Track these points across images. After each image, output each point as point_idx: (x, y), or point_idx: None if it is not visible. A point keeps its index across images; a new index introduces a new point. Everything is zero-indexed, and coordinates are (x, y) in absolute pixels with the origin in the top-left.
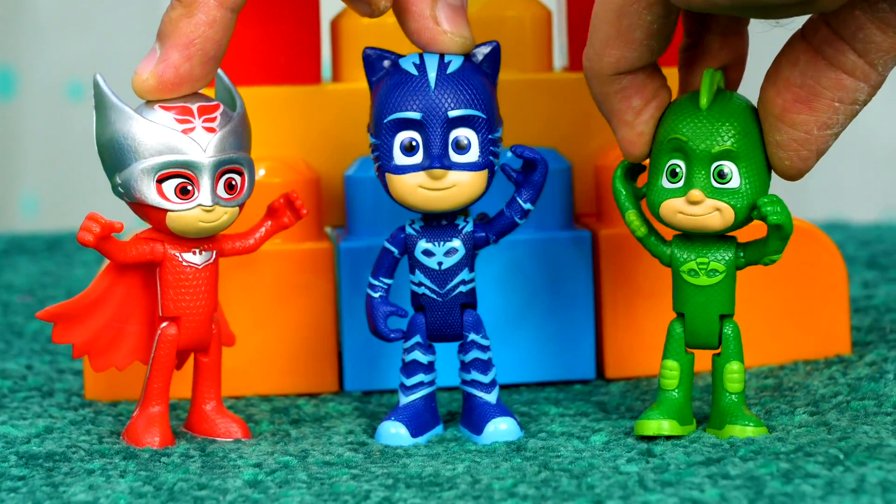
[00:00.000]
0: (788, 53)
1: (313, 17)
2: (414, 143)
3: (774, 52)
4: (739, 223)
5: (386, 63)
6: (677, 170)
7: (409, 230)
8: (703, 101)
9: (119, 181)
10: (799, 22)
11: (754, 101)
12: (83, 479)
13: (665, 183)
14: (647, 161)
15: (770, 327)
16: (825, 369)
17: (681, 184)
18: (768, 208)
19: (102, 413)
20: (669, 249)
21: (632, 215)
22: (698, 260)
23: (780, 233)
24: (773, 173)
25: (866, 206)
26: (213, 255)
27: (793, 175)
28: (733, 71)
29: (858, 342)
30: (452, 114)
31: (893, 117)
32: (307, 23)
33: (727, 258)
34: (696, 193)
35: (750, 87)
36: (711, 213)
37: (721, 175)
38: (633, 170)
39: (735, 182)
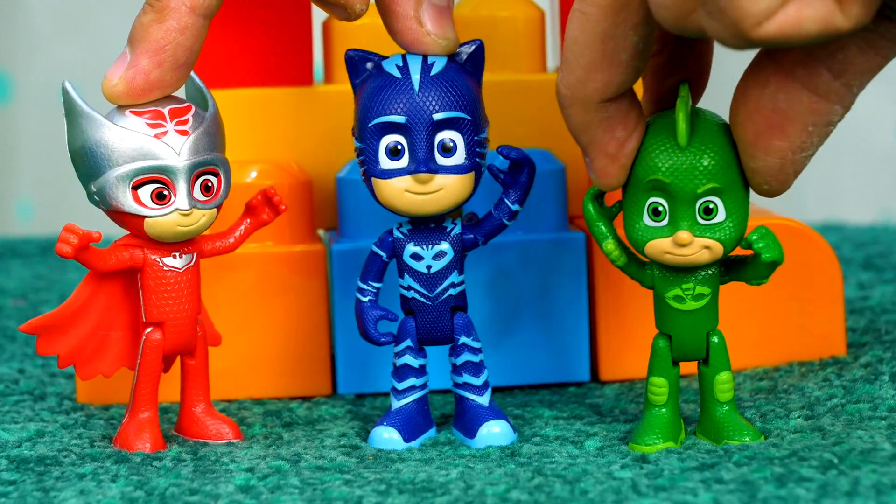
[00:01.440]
0: (756, 74)
1: (304, 19)
2: (399, 147)
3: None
4: (727, 255)
5: (369, 65)
6: (660, 208)
7: (396, 233)
8: (682, 137)
9: (94, 189)
10: None
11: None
12: (74, 483)
13: (647, 221)
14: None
15: (765, 329)
16: (820, 371)
17: (665, 222)
18: (760, 244)
19: (94, 417)
20: (650, 272)
21: (610, 245)
22: (683, 286)
23: (772, 265)
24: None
25: (863, 208)
26: (194, 258)
27: (772, 195)
28: (698, 82)
29: (854, 343)
30: (437, 116)
31: (889, 119)
32: (298, 24)
33: (712, 279)
34: (684, 236)
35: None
36: (700, 251)
37: (707, 211)
38: (600, 192)
39: (721, 216)
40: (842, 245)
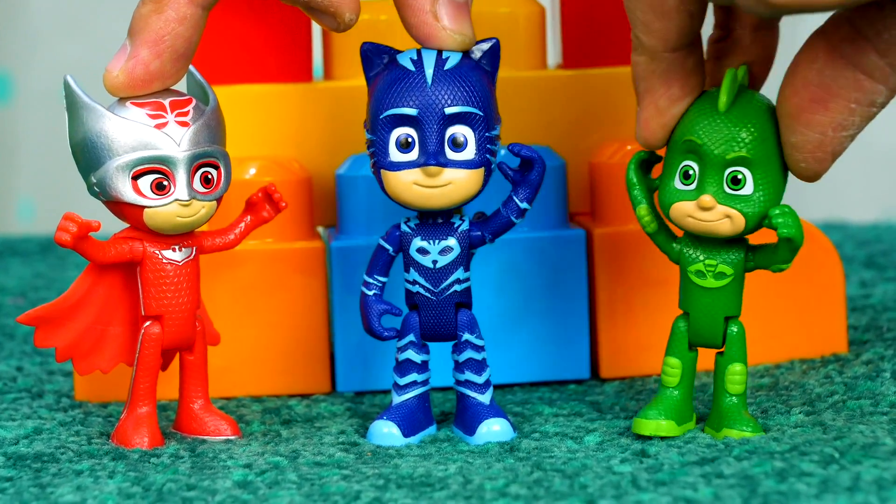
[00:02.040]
0: (807, 51)
1: (304, 15)
2: (410, 140)
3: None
4: (750, 230)
5: (383, 58)
6: (690, 171)
7: (404, 228)
8: (722, 102)
9: (94, 180)
10: (821, 19)
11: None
12: (71, 479)
13: (678, 184)
14: (663, 151)
15: (767, 326)
16: (821, 368)
17: (693, 186)
18: (779, 220)
19: (92, 414)
20: (678, 247)
21: (643, 210)
22: (707, 262)
23: (790, 245)
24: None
25: (866, 206)
26: (193, 252)
27: (809, 177)
28: (761, 68)
29: (855, 341)
30: (449, 111)
31: (893, 118)
32: (298, 20)
33: (736, 261)
34: (707, 199)
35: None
36: (721, 219)
37: (735, 181)
38: (648, 160)
39: (748, 189)
40: (844, 243)
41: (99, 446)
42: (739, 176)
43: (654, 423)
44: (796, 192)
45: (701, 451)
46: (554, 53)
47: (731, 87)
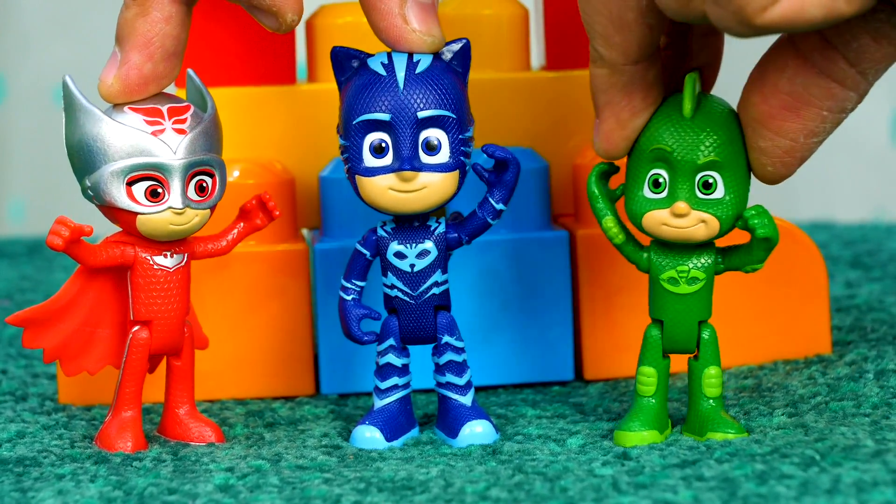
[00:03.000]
0: (775, 58)
1: None
2: (383, 145)
3: (749, 53)
4: (724, 232)
5: (354, 62)
6: (660, 179)
7: (380, 232)
8: (687, 109)
9: (89, 184)
10: None
11: (730, 102)
12: (53, 484)
13: (647, 192)
14: (622, 161)
15: (750, 327)
16: (805, 369)
17: (664, 194)
18: (755, 221)
19: (76, 417)
20: (647, 255)
21: (609, 222)
22: (678, 268)
23: (766, 244)
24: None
25: (855, 206)
26: (185, 258)
27: (773, 180)
28: (709, 71)
29: (839, 342)
30: (422, 114)
31: (882, 118)
32: None
33: (707, 265)
34: (681, 206)
35: (722, 88)
36: (696, 224)
37: (706, 186)
38: (607, 171)
39: (720, 192)
40: (830, 243)
41: (82, 450)
42: (710, 180)
43: (637, 435)
44: (786, 192)
45: (682, 454)
46: (537, 55)
47: (693, 92)
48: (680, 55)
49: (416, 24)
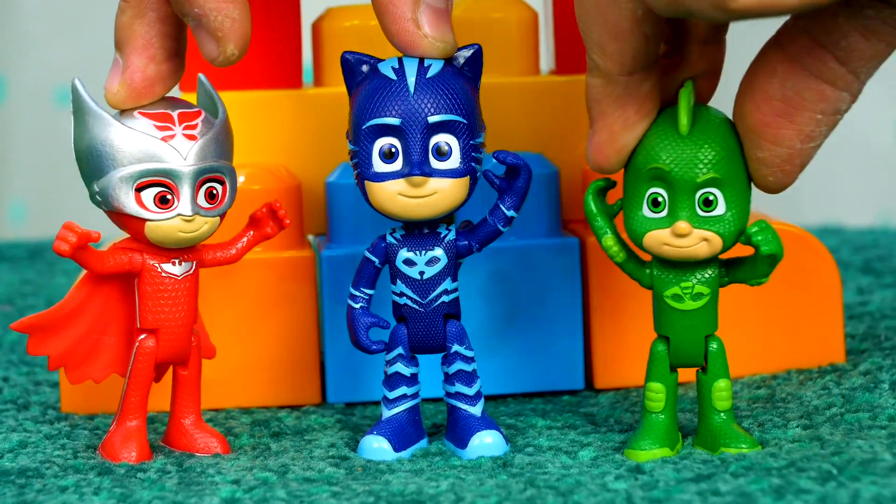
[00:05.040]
0: (764, 64)
1: (294, 21)
2: (393, 150)
3: (747, 62)
4: (727, 249)
5: (364, 68)
6: (659, 199)
7: (389, 239)
8: (683, 125)
9: (97, 189)
10: (771, 28)
11: (728, 112)
12: (56, 496)
13: (647, 212)
14: (618, 174)
15: (762, 335)
16: (819, 379)
17: (664, 213)
18: (759, 237)
19: (78, 426)
20: (649, 272)
21: (609, 240)
22: (682, 284)
23: (771, 260)
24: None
25: (862, 210)
26: (193, 266)
27: (776, 190)
28: (708, 82)
29: (853, 350)
30: (432, 119)
31: (889, 121)
32: (288, 26)
33: (711, 279)
34: (682, 226)
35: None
36: (699, 243)
37: (707, 203)
38: (604, 187)
39: (721, 209)
40: (840, 248)
41: (85, 460)
42: (711, 197)
43: (648, 454)
44: (792, 196)
45: (697, 468)
46: (547, 59)
47: (689, 107)
48: (678, 64)
49: (428, 29)
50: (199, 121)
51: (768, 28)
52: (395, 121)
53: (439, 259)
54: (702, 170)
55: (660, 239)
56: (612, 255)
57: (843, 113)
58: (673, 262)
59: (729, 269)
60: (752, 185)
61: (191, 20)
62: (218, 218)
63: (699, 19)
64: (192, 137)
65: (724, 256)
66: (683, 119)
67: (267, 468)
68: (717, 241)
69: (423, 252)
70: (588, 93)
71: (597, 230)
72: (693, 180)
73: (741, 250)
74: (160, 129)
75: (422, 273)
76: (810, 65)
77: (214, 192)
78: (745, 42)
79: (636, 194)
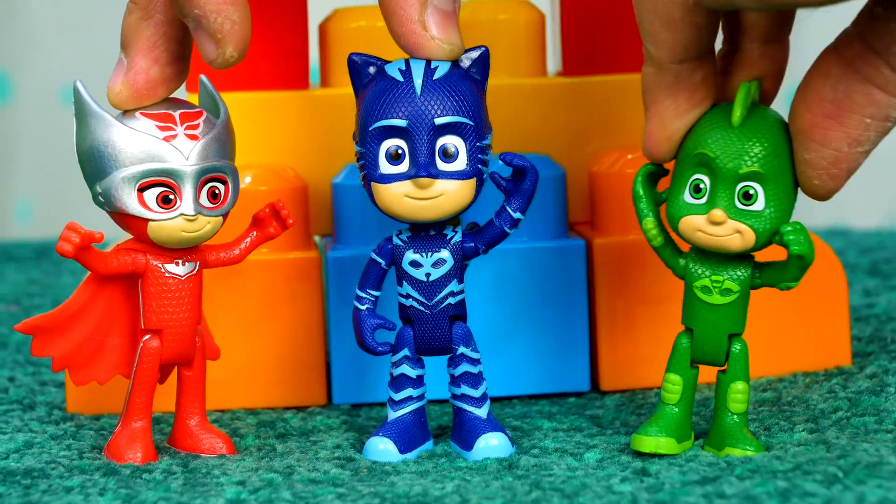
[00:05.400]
0: (820, 67)
1: (301, 21)
2: (400, 152)
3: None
4: (760, 246)
5: (371, 69)
6: (701, 185)
7: (396, 241)
8: (736, 116)
9: (99, 190)
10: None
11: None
12: (61, 497)
13: (687, 197)
14: (671, 164)
15: (768, 338)
16: (825, 382)
17: (704, 200)
18: (791, 237)
19: (84, 427)
20: (684, 262)
21: (649, 223)
22: (713, 277)
23: (800, 262)
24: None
25: (869, 212)
26: (197, 266)
27: (822, 195)
28: (771, 82)
29: (859, 353)
30: (439, 121)
31: None
32: (295, 27)
33: (742, 278)
34: (718, 214)
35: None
36: (732, 234)
37: (746, 196)
38: (655, 173)
39: (760, 204)
40: (847, 250)
41: (90, 461)
42: (751, 191)
43: (654, 441)
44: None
45: (702, 470)
46: (554, 60)
47: (745, 100)
48: (739, 62)
49: (435, 31)
50: (200, 121)
51: (831, 32)
52: (401, 122)
53: (445, 261)
54: (746, 162)
55: (694, 224)
56: (650, 238)
57: (893, 120)
58: (708, 254)
59: (762, 271)
60: (800, 192)
61: (191, 21)
62: (220, 218)
63: (743, 9)
64: (193, 137)
65: (761, 258)
66: (737, 111)
67: (272, 469)
68: (751, 236)
69: (430, 254)
70: (643, 81)
71: (639, 212)
72: (736, 171)
73: (775, 255)
74: (162, 129)
75: (428, 275)
76: (862, 69)
77: (217, 191)
78: (805, 48)
79: (681, 179)
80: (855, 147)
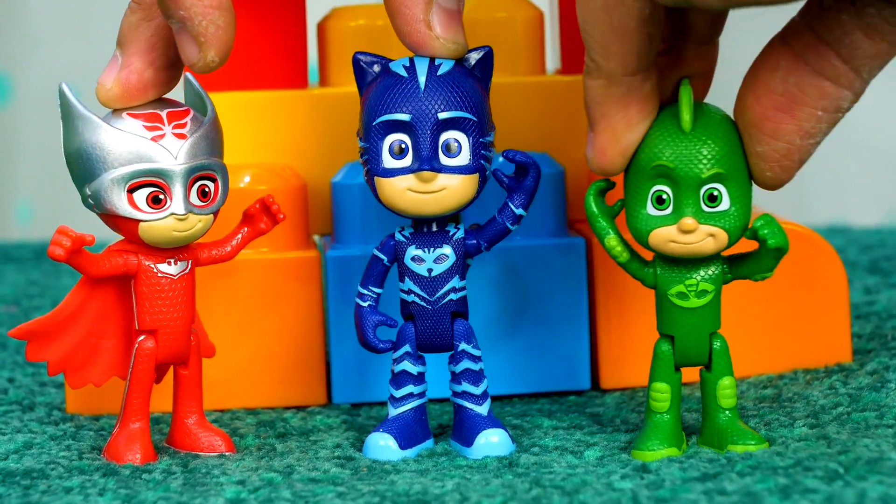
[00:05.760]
0: (768, 58)
1: (299, 20)
2: (403, 146)
3: (739, 60)
4: (732, 244)
5: (376, 68)
6: (664, 196)
7: (398, 237)
8: (686, 121)
9: (89, 192)
10: (778, 24)
11: (726, 110)
12: (60, 497)
13: (651, 210)
14: (618, 176)
15: (769, 335)
16: (825, 378)
17: (669, 210)
18: (766, 231)
19: (84, 427)
20: (652, 271)
21: (612, 241)
22: (687, 282)
23: (777, 253)
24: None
25: (869, 209)
26: (189, 265)
27: (774, 186)
28: (703, 81)
29: (859, 350)
30: (442, 116)
31: (895, 119)
32: (293, 26)
33: (715, 276)
34: (689, 222)
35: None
36: (705, 239)
37: (711, 199)
38: (605, 188)
39: (725, 204)
40: (847, 248)
41: (90, 461)
42: (716, 193)
43: (657, 454)
44: (799, 195)
45: (703, 467)
46: (552, 58)
47: (689, 104)
48: (674, 63)
49: (439, 30)
50: (188, 119)
51: (764, 31)
52: (405, 117)
53: (447, 256)
54: (706, 165)
55: (666, 236)
56: (616, 256)
57: (844, 111)
58: (676, 259)
59: (732, 266)
60: (753, 183)
61: (174, 22)
62: (211, 216)
63: (701, 7)
64: (181, 136)
65: (725, 254)
66: (686, 116)
67: (272, 469)
68: (723, 237)
69: (432, 249)
70: (588, 95)
71: (599, 231)
72: (698, 176)
73: (742, 247)
74: (149, 129)
75: (430, 270)
76: (813, 61)
77: (207, 189)
78: (744, 43)
79: (639, 192)
80: (807, 139)
